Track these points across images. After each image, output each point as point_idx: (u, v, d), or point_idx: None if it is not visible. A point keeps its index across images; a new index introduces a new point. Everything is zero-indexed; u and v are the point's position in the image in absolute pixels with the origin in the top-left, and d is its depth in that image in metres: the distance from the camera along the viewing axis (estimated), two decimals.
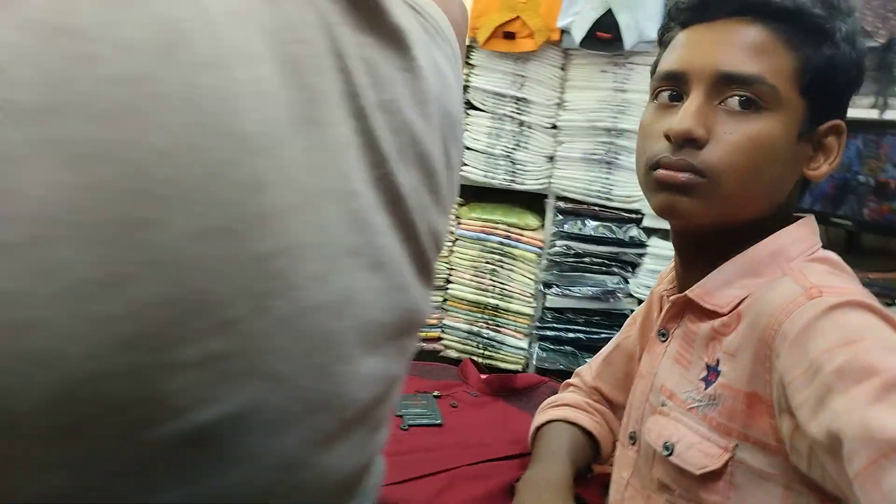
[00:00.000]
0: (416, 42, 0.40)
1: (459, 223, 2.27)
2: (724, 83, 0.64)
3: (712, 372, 0.66)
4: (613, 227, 2.06)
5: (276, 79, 0.30)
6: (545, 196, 2.17)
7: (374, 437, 0.43)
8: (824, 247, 0.68)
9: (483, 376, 1.20)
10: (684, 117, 0.63)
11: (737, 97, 0.63)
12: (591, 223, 2.09)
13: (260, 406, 0.30)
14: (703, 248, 0.70)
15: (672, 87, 0.68)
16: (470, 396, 1.15)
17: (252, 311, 0.28)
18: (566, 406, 0.90)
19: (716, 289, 0.68)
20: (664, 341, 0.74)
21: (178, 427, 0.27)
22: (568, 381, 0.98)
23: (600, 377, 0.92)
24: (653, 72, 0.73)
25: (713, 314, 0.68)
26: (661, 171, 0.65)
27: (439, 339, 2.34)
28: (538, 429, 0.89)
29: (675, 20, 0.71)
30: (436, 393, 1.14)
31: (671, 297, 0.73)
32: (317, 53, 0.32)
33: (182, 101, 0.25)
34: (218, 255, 0.27)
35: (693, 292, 0.69)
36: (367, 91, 0.35)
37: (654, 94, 0.70)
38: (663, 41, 0.72)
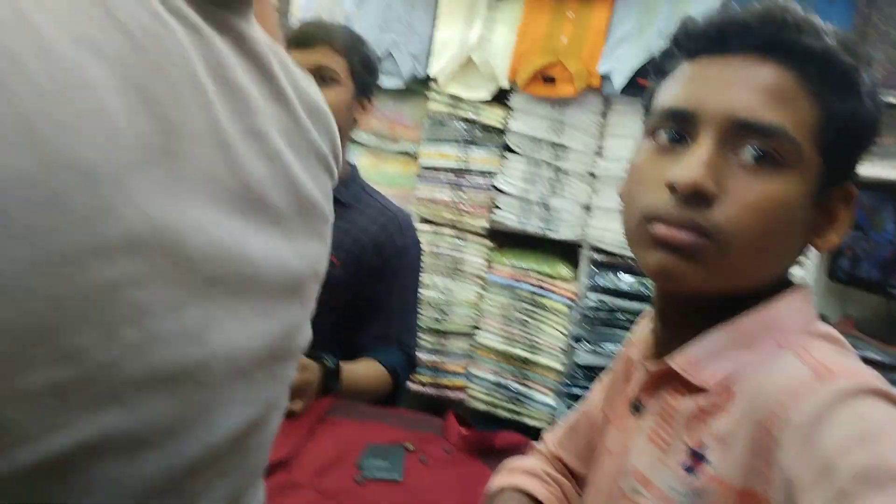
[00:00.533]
0: (281, 73, 0.42)
1: (491, 268, 2.20)
2: (740, 131, 0.54)
3: (697, 459, 0.55)
4: (649, 283, 1.94)
5: (123, 109, 0.29)
6: (579, 245, 2.08)
7: (245, 464, 0.43)
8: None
9: (464, 432, 1.11)
10: (693, 167, 0.54)
11: (753, 150, 0.54)
12: (627, 278, 1.97)
13: (113, 433, 0.30)
14: (689, 313, 0.61)
15: (675, 127, 0.58)
16: (444, 453, 1.06)
17: (100, 339, 0.28)
18: (522, 472, 0.80)
19: (702, 360, 0.58)
20: (637, 415, 0.65)
21: (29, 456, 0.27)
22: (534, 443, 0.88)
23: (562, 446, 0.82)
24: (646, 105, 0.65)
25: (697, 389, 0.58)
26: (661, 227, 0.55)
27: (464, 388, 2.25)
28: (491, 496, 0.80)
29: (681, 48, 0.61)
30: (409, 445, 1.07)
31: (651, 368, 0.63)
32: (174, 85, 0.32)
33: (17, 132, 0.25)
34: (58, 282, 0.26)
35: (676, 362, 0.59)
36: (230, 122, 0.36)
37: (651, 133, 0.61)
38: (663, 70, 0.63)
